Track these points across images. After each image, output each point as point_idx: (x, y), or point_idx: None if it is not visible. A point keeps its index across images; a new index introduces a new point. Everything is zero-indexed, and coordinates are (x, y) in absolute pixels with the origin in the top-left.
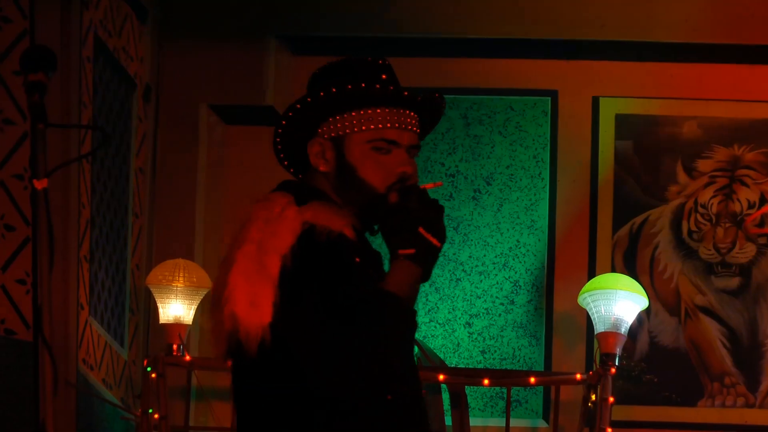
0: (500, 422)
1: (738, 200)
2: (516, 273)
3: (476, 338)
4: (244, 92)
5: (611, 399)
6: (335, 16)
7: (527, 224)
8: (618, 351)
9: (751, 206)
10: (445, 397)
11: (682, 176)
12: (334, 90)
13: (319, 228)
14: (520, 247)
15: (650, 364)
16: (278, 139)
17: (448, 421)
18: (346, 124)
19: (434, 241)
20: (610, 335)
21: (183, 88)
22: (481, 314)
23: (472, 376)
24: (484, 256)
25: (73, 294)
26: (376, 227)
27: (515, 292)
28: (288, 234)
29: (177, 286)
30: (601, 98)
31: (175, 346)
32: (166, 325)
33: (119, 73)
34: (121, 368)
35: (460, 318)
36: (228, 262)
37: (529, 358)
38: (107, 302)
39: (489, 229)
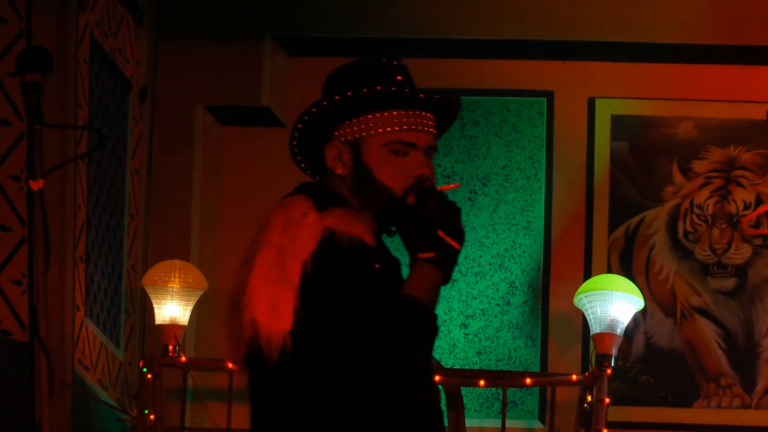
0: (496, 423)
1: (734, 201)
2: (512, 274)
3: (472, 339)
4: (240, 93)
5: (607, 400)
6: (331, 17)
7: (523, 225)
8: (614, 352)
9: (746, 207)
10: (441, 398)
11: (677, 177)
12: (349, 93)
13: (339, 235)
14: (515, 248)
15: (646, 365)
16: (294, 142)
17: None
18: (363, 127)
19: (453, 244)
20: (606, 336)
21: (179, 89)
22: (476, 315)
23: (468, 377)
24: (480, 257)
25: (68, 295)
26: (393, 228)
27: (511, 293)
28: (309, 240)
29: (173, 287)
30: (596, 99)
31: (170, 347)
32: (161, 326)
33: (115, 74)
34: (117, 369)
35: (455, 319)
36: (247, 265)
37: (525, 359)
38: (103, 303)
39: (485, 230)
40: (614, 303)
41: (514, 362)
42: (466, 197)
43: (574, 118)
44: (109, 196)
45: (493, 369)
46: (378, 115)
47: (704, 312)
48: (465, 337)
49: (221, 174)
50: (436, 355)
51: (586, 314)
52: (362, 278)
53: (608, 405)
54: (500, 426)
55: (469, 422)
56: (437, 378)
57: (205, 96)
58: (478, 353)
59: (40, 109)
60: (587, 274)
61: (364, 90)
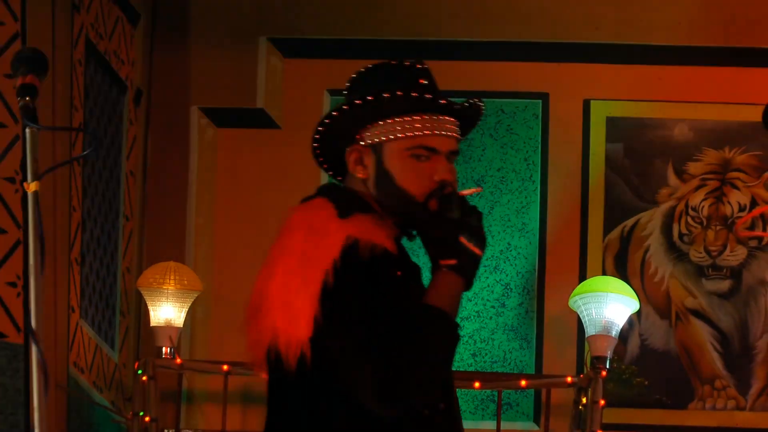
0: (491, 425)
1: (729, 203)
2: (507, 276)
3: (467, 341)
4: (235, 95)
5: (602, 402)
6: (326, 19)
7: (518, 227)
8: (609, 354)
9: (741, 209)
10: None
11: (672, 179)
12: (370, 98)
13: (362, 243)
14: (510, 250)
15: (641, 367)
16: (316, 144)
17: None
18: (384, 131)
19: (476, 250)
20: (601, 338)
21: (174, 91)
22: (471, 317)
23: (463, 378)
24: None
25: (63, 297)
26: (414, 232)
27: (506, 295)
28: (331, 248)
29: (168, 289)
30: (592, 101)
31: (165, 349)
32: (156, 328)
33: (110, 76)
34: (112, 371)
35: None
36: (268, 271)
37: (520, 361)
38: (98, 305)
39: None
40: (609, 305)
41: (509, 364)
42: None
43: (569, 120)
44: (104, 197)
45: (488, 371)
46: (400, 119)
47: (699, 314)
48: (460, 339)
49: (216, 176)
50: None
51: (581, 316)
52: (384, 287)
53: (603, 407)
54: (495, 428)
55: (465, 424)
56: None
57: (200, 98)
58: (474, 355)
59: (35, 111)
60: (582, 276)
61: (386, 95)
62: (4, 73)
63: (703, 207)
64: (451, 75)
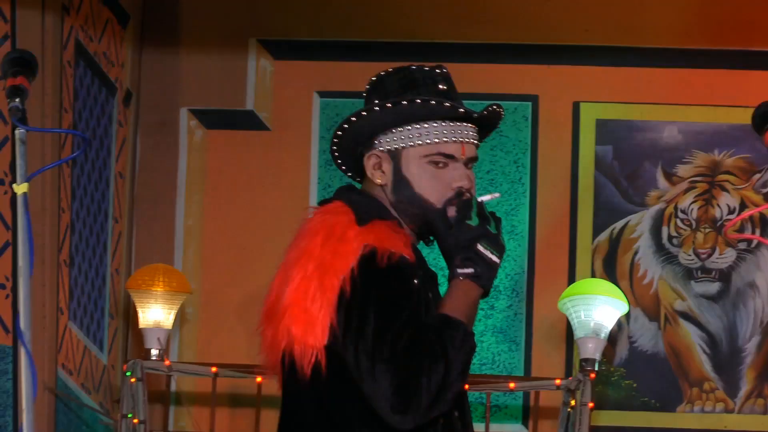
0: (480, 427)
1: (718, 205)
2: (496, 278)
3: None
4: (225, 97)
5: (591, 404)
6: (316, 21)
7: (507, 229)
8: (597, 356)
9: (731, 212)
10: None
11: (662, 181)
12: (389, 105)
13: (380, 251)
14: None
15: (630, 370)
16: (334, 147)
17: None
18: (402, 137)
19: (493, 259)
20: (590, 340)
21: (163, 93)
22: None
23: None
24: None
25: (52, 298)
26: (431, 237)
27: (495, 297)
28: (349, 255)
29: (157, 291)
30: (581, 103)
31: (154, 351)
32: (145, 330)
33: (100, 78)
34: (101, 373)
35: None
36: (285, 274)
37: (509, 363)
38: (87, 307)
39: None
40: (598, 307)
41: (498, 366)
42: None
43: (559, 123)
44: (93, 199)
45: (477, 373)
46: (418, 126)
47: (688, 316)
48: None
49: (205, 178)
50: None
51: (570, 318)
52: (400, 297)
53: (592, 409)
54: (484, 430)
55: None
56: None
57: (190, 99)
58: None
59: (25, 113)
60: (571, 279)
61: (405, 102)
62: None
63: (692, 209)
64: None
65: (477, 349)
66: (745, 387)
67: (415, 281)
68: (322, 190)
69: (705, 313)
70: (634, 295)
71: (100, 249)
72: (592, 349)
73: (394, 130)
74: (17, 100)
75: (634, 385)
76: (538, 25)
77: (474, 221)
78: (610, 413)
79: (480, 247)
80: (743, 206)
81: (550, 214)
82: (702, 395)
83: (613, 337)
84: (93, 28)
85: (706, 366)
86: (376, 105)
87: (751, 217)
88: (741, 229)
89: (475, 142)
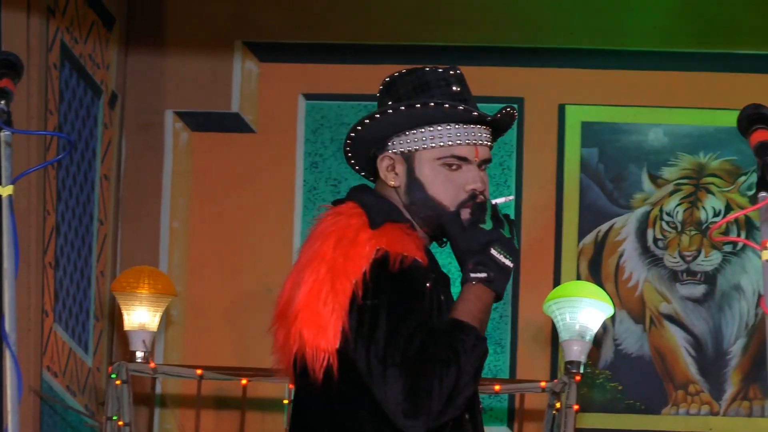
0: None
1: (703, 208)
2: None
3: None
4: (210, 99)
5: (576, 407)
6: (302, 23)
7: None
8: (583, 359)
9: (716, 214)
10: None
11: (647, 184)
12: (402, 108)
13: (392, 255)
14: None
15: (615, 372)
16: (348, 149)
17: None
18: (416, 140)
19: (506, 263)
20: (575, 343)
21: (149, 95)
22: None
23: None
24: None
25: (38, 301)
26: (445, 239)
27: None
28: (361, 259)
29: (142, 293)
30: (566, 106)
31: (139, 353)
32: (130, 332)
33: (85, 80)
34: (86, 375)
35: None
36: (298, 277)
37: (494, 366)
38: (72, 309)
39: None
40: (583, 310)
41: (483, 369)
42: None
43: (544, 125)
44: (79, 201)
45: None
46: (432, 128)
47: (673, 319)
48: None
49: (191, 180)
50: None
51: (555, 321)
52: (413, 301)
53: (577, 412)
54: None
55: None
56: None
57: (175, 101)
58: None
59: (10, 115)
60: (557, 281)
61: (419, 105)
62: None
63: (677, 212)
64: None
65: None
66: (731, 390)
67: (428, 285)
68: (308, 192)
69: (690, 315)
70: (619, 298)
71: (85, 251)
72: (577, 352)
73: (407, 133)
74: (2, 102)
75: (620, 387)
76: (523, 27)
77: (488, 224)
78: (595, 416)
79: (493, 251)
80: (729, 209)
81: (535, 217)
82: (687, 398)
83: (598, 340)
84: (78, 30)
85: (692, 368)
86: (390, 108)
87: (736, 220)
88: (726, 232)
89: (489, 143)
